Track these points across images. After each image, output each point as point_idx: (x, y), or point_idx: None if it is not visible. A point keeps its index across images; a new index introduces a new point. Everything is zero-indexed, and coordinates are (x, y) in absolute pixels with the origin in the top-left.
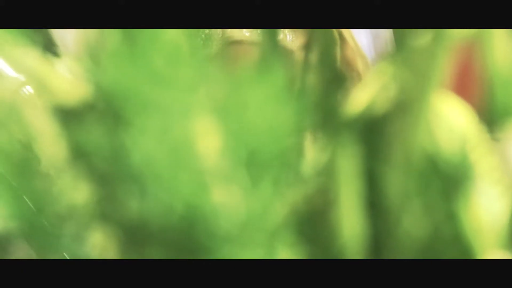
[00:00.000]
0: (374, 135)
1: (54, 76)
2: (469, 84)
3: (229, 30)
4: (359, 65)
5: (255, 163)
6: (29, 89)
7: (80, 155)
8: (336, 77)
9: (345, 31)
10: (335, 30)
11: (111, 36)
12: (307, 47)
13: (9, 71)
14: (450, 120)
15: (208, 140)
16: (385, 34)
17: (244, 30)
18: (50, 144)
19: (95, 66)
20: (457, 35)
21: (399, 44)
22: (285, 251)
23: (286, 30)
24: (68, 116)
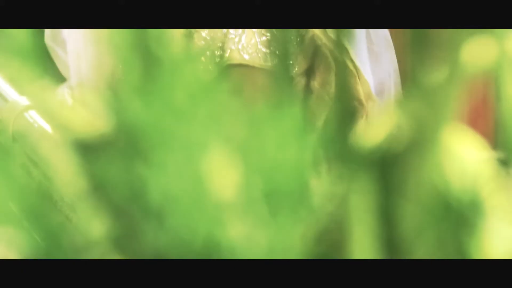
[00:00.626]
0: (388, 170)
1: (72, 110)
2: (483, 118)
3: (228, 53)
4: (368, 99)
5: (273, 197)
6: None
7: (97, 189)
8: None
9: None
10: (350, 64)
11: (131, 68)
12: (309, 73)
13: (16, 95)
14: (462, 157)
15: (226, 175)
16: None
17: (244, 53)
18: (67, 179)
19: (114, 100)
20: (472, 70)
21: (412, 79)
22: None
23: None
24: (86, 150)
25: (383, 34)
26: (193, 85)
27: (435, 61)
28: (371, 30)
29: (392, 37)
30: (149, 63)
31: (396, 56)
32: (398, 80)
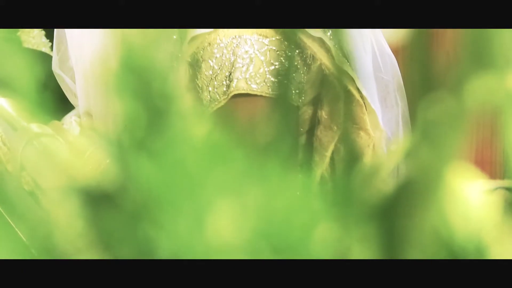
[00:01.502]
0: (391, 216)
1: (81, 164)
2: (488, 157)
3: (234, 83)
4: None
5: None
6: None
7: (102, 243)
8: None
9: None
10: (357, 94)
11: (135, 120)
12: (316, 102)
13: (25, 123)
14: (467, 201)
15: (235, 235)
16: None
17: (251, 83)
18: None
19: (120, 154)
20: (476, 106)
21: (416, 116)
22: None
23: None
24: (93, 201)
25: (390, 62)
26: (200, 140)
27: (438, 97)
28: (379, 58)
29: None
30: (154, 115)
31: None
32: (406, 109)
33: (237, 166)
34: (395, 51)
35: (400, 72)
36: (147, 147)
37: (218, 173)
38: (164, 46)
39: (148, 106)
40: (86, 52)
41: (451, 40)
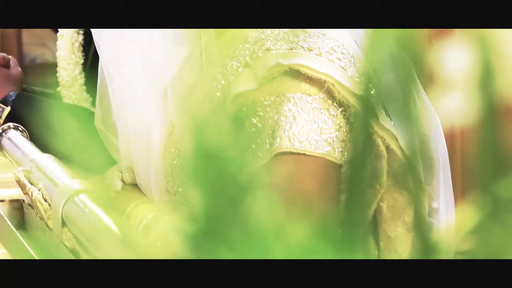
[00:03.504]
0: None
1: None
2: None
3: (278, 141)
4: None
5: None
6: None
7: None
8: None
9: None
10: (400, 152)
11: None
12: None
13: (66, 179)
14: None
15: None
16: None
17: (295, 141)
18: None
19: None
20: None
21: (486, 195)
22: None
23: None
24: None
25: (435, 121)
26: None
27: (509, 171)
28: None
29: (456, 144)
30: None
31: (462, 164)
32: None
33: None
34: (464, 132)
35: (470, 152)
36: (223, 236)
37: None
38: (208, 105)
39: (221, 194)
40: (128, 108)
41: None
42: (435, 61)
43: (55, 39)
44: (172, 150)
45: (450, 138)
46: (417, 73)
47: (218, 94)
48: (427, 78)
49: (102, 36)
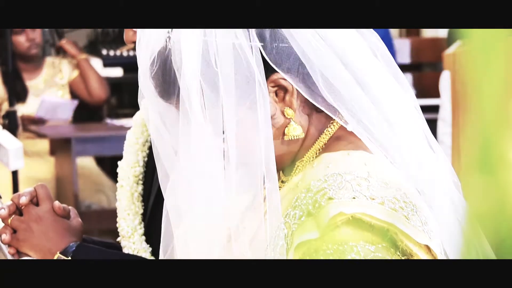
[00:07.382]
0: None
1: None
2: None
3: None
4: None
5: None
6: None
7: None
8: None
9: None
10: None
11: None
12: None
13: None
14: None
15: None
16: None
17: None
18: None
19: None
20: None
21: None
22: None
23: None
24: None
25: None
26: None
27: None
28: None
29: None
30: None
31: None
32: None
33: None
34: None
35: None
36: None
37: None
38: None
39: None
40: (192, 253)
41: None
42: None
43: (111, 186)
44: None
45: None
46: None
47: (281, 242)
48: None
49: (166, 186)
